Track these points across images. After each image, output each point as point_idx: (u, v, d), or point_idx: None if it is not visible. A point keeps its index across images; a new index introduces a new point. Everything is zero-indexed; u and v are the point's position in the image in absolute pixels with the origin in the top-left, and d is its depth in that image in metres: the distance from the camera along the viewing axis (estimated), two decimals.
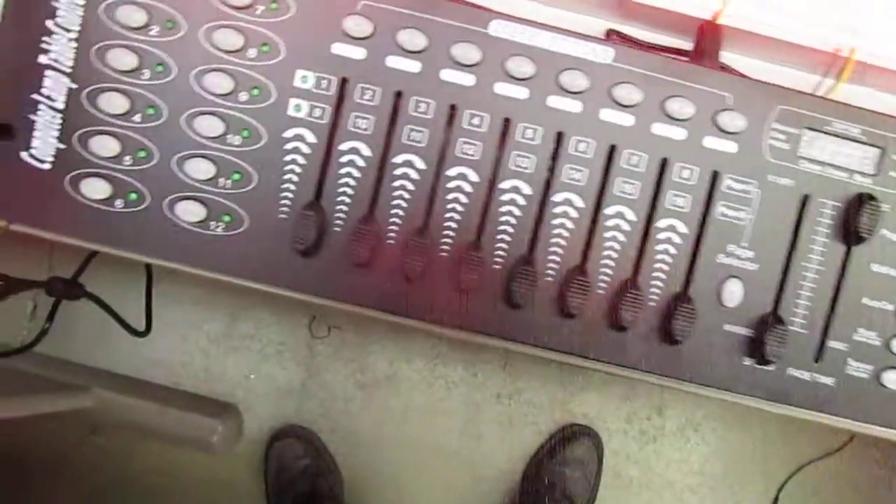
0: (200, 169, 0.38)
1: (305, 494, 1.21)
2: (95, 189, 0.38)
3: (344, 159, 0.38)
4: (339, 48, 0.37)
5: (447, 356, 1.33)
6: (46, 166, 0.38)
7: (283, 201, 0.38)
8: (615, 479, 1.34)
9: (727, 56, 0.45)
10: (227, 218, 0.38)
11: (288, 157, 0.38)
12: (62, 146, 0.38)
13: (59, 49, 0.37)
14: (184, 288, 1.31)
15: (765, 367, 0.38)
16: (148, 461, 1.28)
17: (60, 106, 0.38)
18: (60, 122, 0.38)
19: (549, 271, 0.37)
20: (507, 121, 0.37)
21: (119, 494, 1.28)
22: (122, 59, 0.37)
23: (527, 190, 0.37)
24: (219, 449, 1.21)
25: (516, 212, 0.37)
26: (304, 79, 0.37)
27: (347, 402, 1.31)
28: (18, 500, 1.19)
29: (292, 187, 0.38)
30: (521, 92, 0.37)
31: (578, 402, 1.35)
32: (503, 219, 0.37)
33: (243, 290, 0.39)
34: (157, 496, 1.29)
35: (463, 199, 0.37)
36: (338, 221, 0.38)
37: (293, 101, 0.38)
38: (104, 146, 0.38)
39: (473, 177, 0.37)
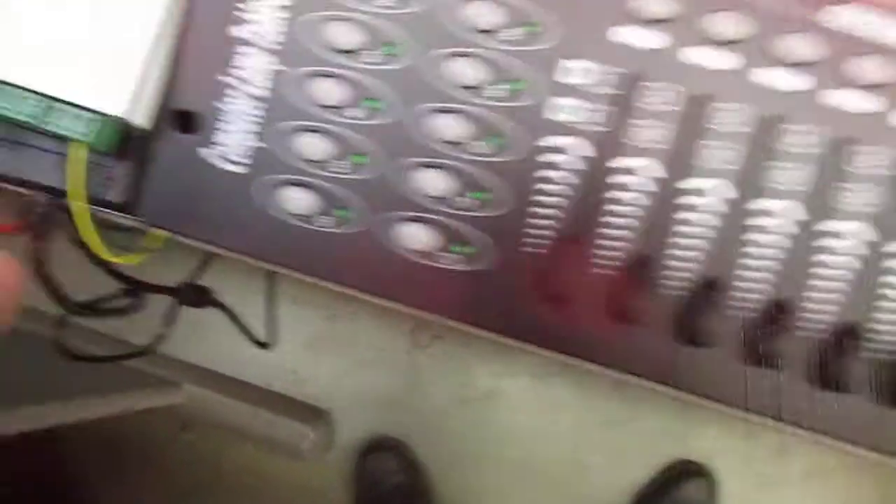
0: (434, 182, 0.29)
1: None
2: (297, 201, 0.29)
3: (625, 181, 0.28)
4: (624, 34, 0.28)
5: (556, 375, 1.23)
6: (233, 167, 0.30)
7: (536, 230, 0.29)
8: None
9: None
10: (465, 249, 0.29)
11: (547, 174, 0.29)
12: (259, 144, 0.30)
13: (261, 19, 0.29)
14: (280, 285, 1.25)
15: None
16: (237, 461, 1.23)
17: (259, 92, 0.30)
18: (258, 113, 0.29)
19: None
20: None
21: (207, 492, 1.23)
22: (344, 35, 0.29)
23: None
24: (308, 456, 1.14)
25: None
26: (576, 71, 0.28)
27: (446, 416, 1.22)
28: (113, 491, 1.16)
29: (554, 213, 0.29)
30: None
31: (695, 436, 1.23)
32: None
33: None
34: (245, 497, 1.23)
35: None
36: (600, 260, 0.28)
37: (559, 101, 0.28)
38: (313, 147, 0.29)
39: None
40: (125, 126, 0.29)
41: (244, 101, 0.30)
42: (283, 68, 0.29)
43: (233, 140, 0.30)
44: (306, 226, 0.30)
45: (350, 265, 0.30)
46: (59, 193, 0.32)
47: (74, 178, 0.29)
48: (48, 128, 0.28)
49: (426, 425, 1.21)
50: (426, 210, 0.29)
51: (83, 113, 0.29)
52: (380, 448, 1.16)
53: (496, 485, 1.21)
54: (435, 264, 0.29)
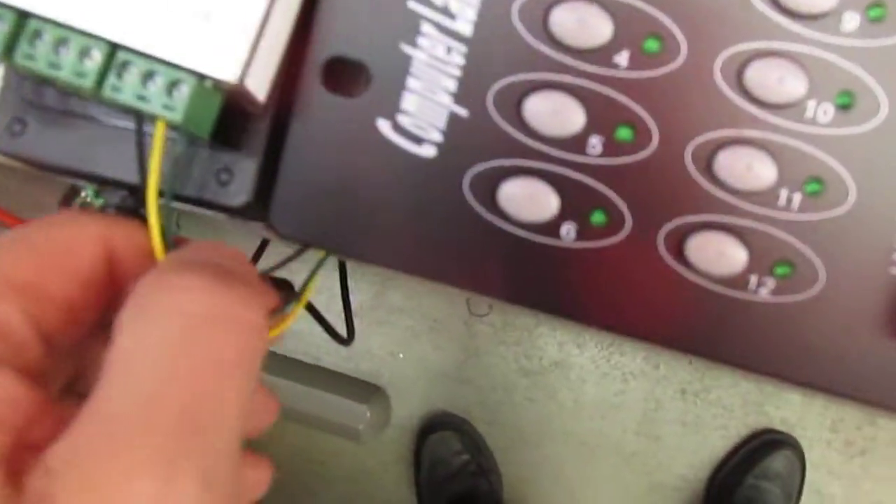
0: (755, 170, 0.18)
1: (462, 494, 1.05)
2: (526, 199, 0.19)
3: None
4: None
5: (625, 344, 1.13)
6: (419, 149, 0.19)
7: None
8: (814, 496, 1.14)
9: None
10: (792, 271, 0.18)
11: None
12: (459, 111, 0.19)
13: None
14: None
15: None
16: (288, 444, 1.15)
17: (462, 28, 0.18)
18: (458, 62, 0.18)
19: None
20: None
21: None
22: None
23: None
24: (366, 437, 1.06)
25: None
26: None
27: (509, 390, 1.13)
28: None
29: None
30: None
31: (776, 404, 1.14)
32: None
33: None
34: (297, 482, 1.16)
35: None
36: None
37: None
38: (547, 115, 0.18)
39: None
40: (227, 98, 0.18)
41: (440, 40, 0.18)
42: None
43: (421, 105, 0.19)
44: (544, 238, 0.19)
45: (605, 294, 0.19)
46: (125, 186, 0.21)
47: (156, 170, 0.18)
48: (116, 96, 0.17)
49: (487, 400, 1.12)
50: (738, 213, 0.18)
51: (170, 73, 0.17)
52: (442, 426, 1.08)
53: (564, 460, 1.13)
54: (746, 296, 0.19)
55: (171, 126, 0.18)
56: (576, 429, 1.13)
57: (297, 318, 0.24)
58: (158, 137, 0.18)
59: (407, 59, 0.19)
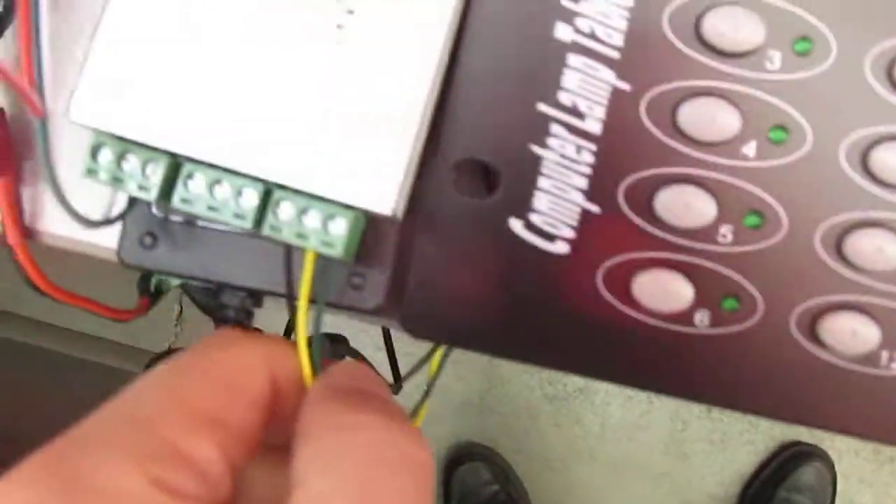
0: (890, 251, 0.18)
1: None
2: (660, 293, 0.19)
3: None
4: None
5: None
6: (551, 245, 0.19)
7: None
8: None
9: None
10: None
11: None
12: (589, 207, 0.19)
13: (595, 12, 0.18)
14: None
15: None
16: None
17: (591, 127, 0.19)
18: (588, 160, 0.19)
19: None
20: None
21: None
22: (735, 27, 0.18)
23: None
24: None
25: None
26: None
27: (534, 417, 1.13)
28: None
29: None
30: None
31: None
32: None
33: None
34: None
35: None
36: None
37: None
38: (685, 207, 0.19)
39: None
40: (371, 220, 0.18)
41: (569, 140, 0.19)
42: (628, 87, 0.19)
43: (552, 204, 0.19)
44: (678, 326, 0.19)
45: (740, 378, 0.19)
46: (259, 293, 0.21)
47: (305, 301, 0.18)
48: (276, 235, 0.18)
49: (513, 428, 1.12)
50: (871, 293, 0.19)
51: (326, 209, 0.18)
52: (469, 457, 1.08)
53: (593, 485, 1.12)
54: (879, 372, 0.19)
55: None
56: (603, 452, 1.13)
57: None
58: (308, 269, 0.18)
59: (537, 160, 0.19)
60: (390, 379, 0.25)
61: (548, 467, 1.12)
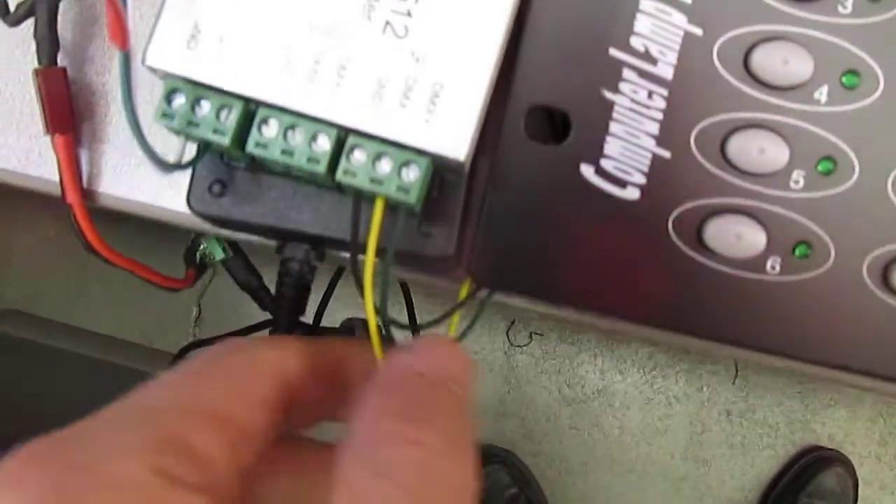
0: None
1: None
2: (735, 238, 0.19)
3: None
4: None
5: (667, 367, 1.13)
6: (623, 192, 0.19)
7: None
8: None
9: None
10: None
11: None
12: (661, 153, 0.19)
13: None
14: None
15: None
16: None
17: (664, 72, 0.19)
18: (659, 105, 0.19)
19: None
20: None
21: None
22: None
23: None
24: None
25: None
26: None
27: (552, 420, 1.12)
28: None
29: None
30: None
31: (822, 421, 1.13)
32: None
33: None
34: None
35: None
36: None
37: None
38: (757, 153, 0.19)
39: None
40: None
41: (641, 85, 0.19)
42: (700, 32, 0.19)
43: (623, 150, 0.19)
44: (750, 273, 0.19)
45: (810, 326, 0.19)
46: (319, 241, 0.21)
47: (372, 255, 0.18)
48: (350, 181, 0.18)
49: (531, 431, 1.11)
50: None
51: (400, 155, 0.18)
52: (488, 461, 1.07)
53: (612, 489, 1.11)
54: None
55: (393, 205, 0.18)
56: (622, 456, 1.12)
57: None
58: (377, 218, 0.18)
59: (609, 105, 0.19)
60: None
61: (566, 471, 1.12)
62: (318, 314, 0.51)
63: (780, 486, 1.09)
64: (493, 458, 1.08)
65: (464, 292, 0.20)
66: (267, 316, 0.30)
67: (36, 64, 0.23)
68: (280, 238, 0.21)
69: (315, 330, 0.44)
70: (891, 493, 1.13)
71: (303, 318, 0.38)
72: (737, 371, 1.13)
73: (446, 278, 0.22)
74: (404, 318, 0.32)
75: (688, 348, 0.25)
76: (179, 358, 0.40)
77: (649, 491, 1.12)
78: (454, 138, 0.18)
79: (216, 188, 0.20)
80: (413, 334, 0.45)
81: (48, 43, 0.23)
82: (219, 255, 0.34)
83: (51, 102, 0.23)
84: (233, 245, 0.35)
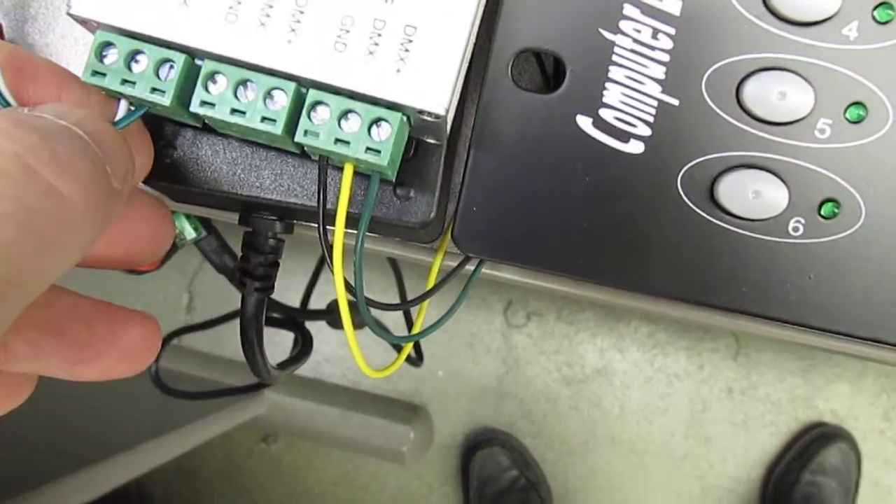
0: None
1: None
2: (753, 195, 0.17)
3: None
4: None
5: (667, 345, 1.11)
6: (626, 146, 0.17)
7: None
8: (872, 487, 1.11)
9: None
10: None
11: None
12: (669, 100, 0.17)
13: None
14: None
15: None
16: (328, 472, 1.12)
17: (671, 6, 0.16)
18: (666, 46, 0.16)
19: None
20: None
21: None
22: None
23: None
24: (410, 459, 1.03)
25: None
26: None
27: (552, 401, 1.11)
28: None
29: None
30: None
31: (825, 397, 1.11)
32: None
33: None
34: None
35: None
36: None
37: None
38: (775, 97, 0.16)
39: None
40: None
41: (645, 23, 0.16)
42: None
43: (625, 98, 0.17)
44: (771, 236, 0.17)
45: (838, 296, 0.17)
46: (285, 211, 0.19)
47: (342, 218, 0.16)
48: (312, 142, 0.16)
49: (531, 412, 1.10)
50: None
51: (370, 111, 0.15)
52: (487, 443, 1.05)
53: (613, 469, 1.10)
54: None
55: (364, 169, 0.16)
56: (623, 435, 1.11)
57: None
58: (346, 185, 0.16)
59: (608, 47, 0.17)
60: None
61: (567, 451, 1.10)
62: (306, 297, 0.48)
63: (782, 463, 1.08)
64: (493, 441, 1.06)
65: (439, 258, 0.18)
66: None
67: None
68: (242, 209, 0.19)
69: (301, 314, 0.42)
70: (895, 469, 1.12)
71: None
72: (738, 348, 1.11)
73: (428, 247, 0.20)
74: (393, 299, 0.29)
75: (693, 322, 0.23)
76: (166, 343, 0.39)
77: (651, 470, 1.10)
78: (432, 89, 0.15)
79: (164, 152, 0.18)
80: (405, 316, 0.42)
81: None
82: (190, 234, 0.31)
83: None
84: (205, 223, 0.33)
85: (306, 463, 1.13)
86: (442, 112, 0.15)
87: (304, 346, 0.35)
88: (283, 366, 0.30)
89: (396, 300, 0.28)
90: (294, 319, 0.39)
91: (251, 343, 0.21)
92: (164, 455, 0.71)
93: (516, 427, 1.09)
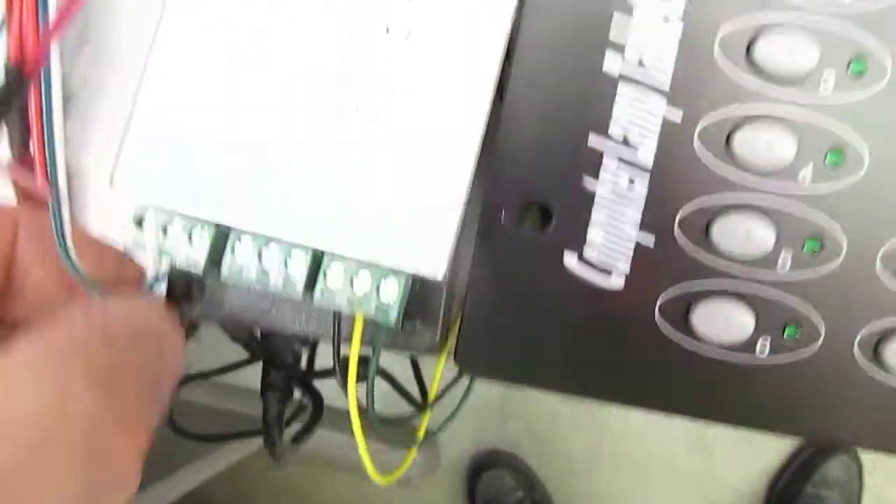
0: None
1: None
2: (724, 322, 0.19)
3: None
4: None
5: None
6: (606, 281, 0.19)
7: None
8: (874, 501, 1.13)
9: None
10: None
11: None
12: (643, 240, 0.19)
13: (640, 43, 0.18)
14: None
15: None
16: (336, 496, 1.14)
17: (644, 158, 0.18)
18: (641, 190, 0.18)
19: None
20: None
21: None
22: (790, 52, 0.18)
23: None
24: (416, 482, 1.05)
25: None
26: None
27: (554, 420, 1.12)
28: None
29: None
30: None
31: None
32: None
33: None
34: None
35: None
36: None
37: None
38: (743, 235, 0.18)
39: None
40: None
41: (622, 172, 0.18)
42: (678, 116, 0.18)
43: (606, 237, 0.19)
44: (740, 356, 0.19)
45: (802, 405, 0.19)
46: (303, 341, 0.21)
47: (354, 363, 0.18)
48: (328, 303, 0.18)
49: (534, 432, 1.12)
50: None
51: (377, 274, 0.18)
52: (493, 464, 1.07)
53: (617, 485, 1.12)
54: None
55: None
56: (626, 452, 1.12)
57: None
58: (357, 336, 0.18)
59: (590, 194, 0.19)
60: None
61: (571, 471, 1.12)
62: (311, 355, 0.50)
63: (785, 476, 1.10)
64: (498, 462, 1.08)
65: (441, 362, 0.20)
66: None
67: None
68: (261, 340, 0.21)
69: (309, 374, 0.44)
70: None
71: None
72: None
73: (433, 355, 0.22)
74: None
75: None
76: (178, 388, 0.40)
77: (654, 485, 1.12)
78: (431, 257, 0.17)
79: (195, 291, 0.20)
80: (420, 412, 0.44)
81: None
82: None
83: None
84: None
85: (314, 487, 1.15)
86: (439, 278, 0.17)
87: (315, 409, 0.37)
88: (297, 440, 0.32)
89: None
90: (303, 379, 0.41)
91: (273, 440, 0.23)
92: (175, 492, 0.73)
93: (521, 447, 1.11)
